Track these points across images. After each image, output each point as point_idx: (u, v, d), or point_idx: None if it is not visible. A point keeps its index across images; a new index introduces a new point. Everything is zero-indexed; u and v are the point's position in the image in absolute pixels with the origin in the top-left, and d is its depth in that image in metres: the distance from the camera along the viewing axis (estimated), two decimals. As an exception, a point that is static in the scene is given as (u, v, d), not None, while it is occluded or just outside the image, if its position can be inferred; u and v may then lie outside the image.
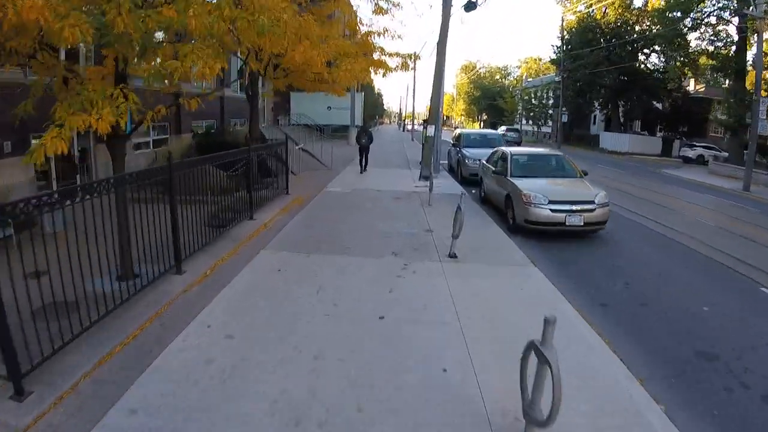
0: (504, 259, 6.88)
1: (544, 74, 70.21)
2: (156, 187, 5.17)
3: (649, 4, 32.96)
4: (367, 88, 52.69)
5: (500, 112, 66.51)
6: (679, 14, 28.70)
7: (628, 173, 22.71)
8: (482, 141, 16.04)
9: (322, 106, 32.63)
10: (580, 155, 32.43)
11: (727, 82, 31.34)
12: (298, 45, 8.51)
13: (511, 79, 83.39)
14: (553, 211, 8.47)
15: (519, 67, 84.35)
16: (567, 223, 8.48)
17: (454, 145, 16.23)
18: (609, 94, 37.71)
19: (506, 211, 9.59)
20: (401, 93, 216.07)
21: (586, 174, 10.22)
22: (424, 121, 20.33)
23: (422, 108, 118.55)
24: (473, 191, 13.65)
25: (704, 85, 46.54)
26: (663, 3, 29.83)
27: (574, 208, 8.53)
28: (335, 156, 20.67)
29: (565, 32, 38.87)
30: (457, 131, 18.25)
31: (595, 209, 8.59)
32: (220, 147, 9.81)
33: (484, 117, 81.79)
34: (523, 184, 9.02)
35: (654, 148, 39.46)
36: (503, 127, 65.64)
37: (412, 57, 14.19)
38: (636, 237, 9.62)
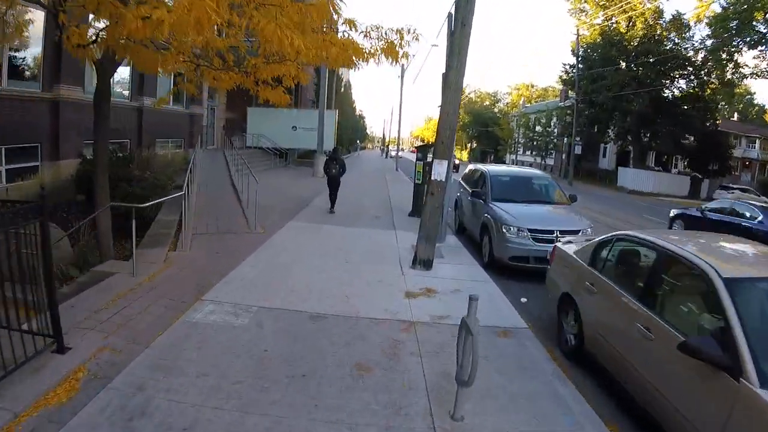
0: None
1: (537, 101, 65.10)
2: None
3: (694, 15, 27.12)
4: (347, 108, 46.18)
5: (494, 139, 60.60)
6: (734, 27, 22.90)
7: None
8: (526, 190, 9.03)
9: (286, 125, 25.88)
10: (599, 195, 25.97)
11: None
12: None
13: (502, 105, 78.32)
14: None
15: (509, 94, 79.68)
16: None
17: (474, 194, 9.18)
18: (632, 123, 31.59)
19: None
20: (385, 116, 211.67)
21: None
22: (418, 148, 13.37)
23: (406, 133, 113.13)
24: (523, 299, 6.68)
25: (720, 118, 41.43)
26: (720, 10, 23.94)
27: None
28: (283, 197, 13.59)
29: (581, 48, 32.94)
30: (475, 167, 11.19)
31: None
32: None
33: (474, 145, 75.96)
34: None
35: (681, 189, 33.61)
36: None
37: (404, 37, 7.48)
38: None
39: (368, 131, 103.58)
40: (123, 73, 16.49)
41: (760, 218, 11.06)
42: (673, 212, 14.76)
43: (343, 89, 44.61)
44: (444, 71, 9.33)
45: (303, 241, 8.55)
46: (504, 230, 7.57)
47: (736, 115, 55.85)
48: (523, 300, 6.70)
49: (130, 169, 13.86)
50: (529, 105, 59.56)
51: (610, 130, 35.13)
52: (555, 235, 7.50)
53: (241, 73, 6.98)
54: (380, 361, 4.21)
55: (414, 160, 15.80)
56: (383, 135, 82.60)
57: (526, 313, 6.13)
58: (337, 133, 28.05)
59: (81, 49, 5.51)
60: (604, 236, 4.94)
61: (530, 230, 7.45)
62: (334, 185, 12.08)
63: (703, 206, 13.46)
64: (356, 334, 4.72)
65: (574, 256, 5.19)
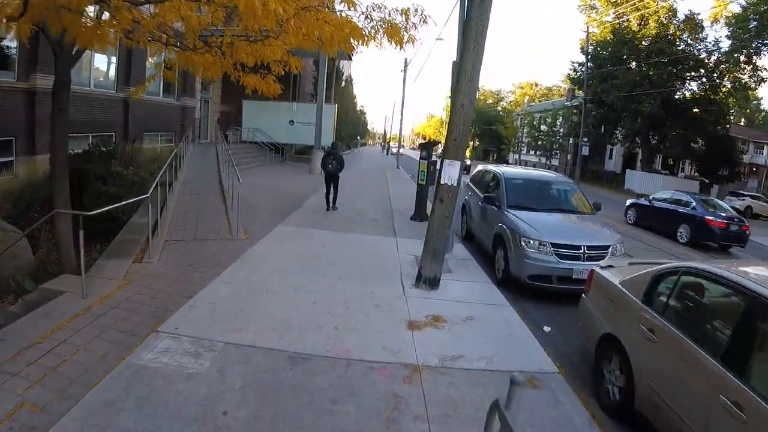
0: None
1: (540, 100, 63.89)
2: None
3: (711, 15, 25.92)
4: (348, 103, 44.98)
5: (497, 138, 59.43)
6: (754, 28, 21.81)
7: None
8: (546, 197, 7.95)
9: (283, 119, 24.83)
10: (607, 199, 24.87)
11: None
12: None
13: (504, 104, 77.14)
14: None
15: (513, 92, 78.57)
16: None
17: (486, 199, 8.07)
18: (643, 125, 30.45)
19: None
20: (387, 112, 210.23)
21: None
22: (421, 146, 12.32)
23: (408, 130, 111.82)
24: (546, 328, 5.71)
25: (730, 123, 40.37)
26: (739, 10, 22.86)
27: None
28: (276, 196, 12.62)
29: (590, 46, 31.78)
30: (485, 168, 10.09)
31: None
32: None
33: (476, 143, 74.71)
34: None
35: (689, 194, 32.58)
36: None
37: (409, 18, 6.58)
38: None
39: (369, 127, 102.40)
40: (108, 63, 15.50)
41: (693, 205, 13.58)
42: (628, 202, 16.87)
43: (344, 84, 43.39)
44: (455, 59, 8.30)
45: (290, 250, 7.49)
46: (523, 244, 6.53)
47: (742, 120, 54.79)
48: (546, 329, 5.69)
49: (111, 164, 12.83)
50: (533, 104, 58.40)
51: (618, 132, 34.04)
52: (582, 250, 6.48)
53: (218, 54, 5.92)
54: (375, 431, 3.17)
55: (415, 157, 14.73)
56: (384, 131, 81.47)
57: (551, 345, 5.13)
58: (337, 129, 26.97)
59: (11, 24, 4.47)
60: (664, 266, 3.90)
61: (553, 245, 6.41)
62: (330, 182, 11.40)
63: (651, 196, 15.92)
64: (346, 386, 3.68)
65: (622, 287, 4.14)
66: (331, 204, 11.48)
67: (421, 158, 11.35)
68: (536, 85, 77.19)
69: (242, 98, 24.39)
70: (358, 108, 65.09)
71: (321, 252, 7.48)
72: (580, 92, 33.44)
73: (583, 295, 4.86)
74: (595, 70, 30.61)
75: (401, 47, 7.36)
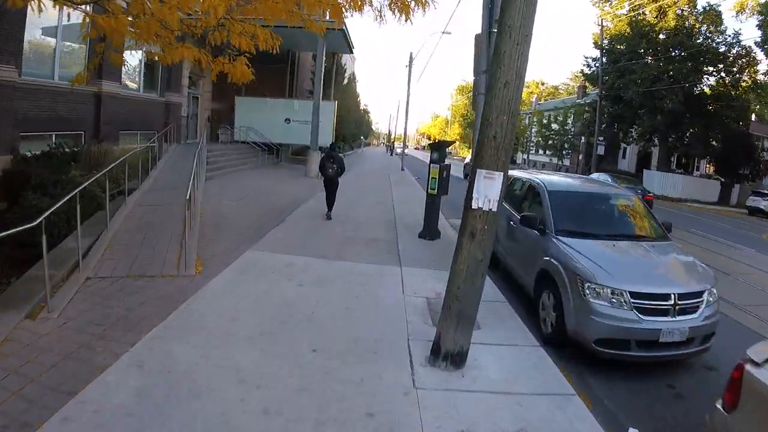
0: None
1: (547, 99, 61.67)
2: None
3: (737, 4, 23.78)
4: (351, 101, 42.90)
5: (504, 137, 57.32)
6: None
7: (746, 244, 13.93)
8: (606, 217, 5.85)
9: (279, 117, 22.97)
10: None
11: None
12: None
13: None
14: None
15: (519, 91, 76.48)
16: None
17: (524, 220, 5.75)
18: (662, 122, 28.33)
19: None
20: (391, 111, 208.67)
21: None
22: (431, 146, 10.23)
23: (412, 130, 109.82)
24: (632, 431, 3.62)
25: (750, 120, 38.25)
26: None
27: None
28: (259, 205, 10.71)
29: (605, 40, 29.65)
30: (514, 174, 7.87)
31: None
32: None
33: (481, 143, 72.51)
34: None
35: (708, 194, 30.54)
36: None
37: None
38: None
39: (373, 127, 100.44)
40: (77, 52, 13.59)
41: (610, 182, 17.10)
42: None
43: (346, 81, 41.32)
44: (478, 33, 6.29)
45: (252, 295, 5.38)
46: (587, 292, 4.46)
47: (753, 116, 52.71)
48: (635, 429, 3.65)
49: (71, 168, 10.97)
50: (541, 102, 56.28)
51: (633, 130, 32.01)
52: (672, 301, 4.43)
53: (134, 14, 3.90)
54: None
55: (420, 158, 12.69)
56: (389, 131, 79.52)
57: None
58: (339, 128, 24.97)
59: None
60: None
61: (633, 294, 4.36)
62: (330, 186, 10.55)
63: None
64: None
65: None
66: (327, 211, 10.52)
67: (431, 162, 9.27)
68: (542, 83, 75.21)
69: (235, 95, 22.53)
70: (362, 107, 62.98)
71: (296, 297, 5.41)
72: (593, 89, 31.40)
73: (721, 409, 2.83)
74: (611, 65, 28.56)
75: (407, 17, 5.44)
